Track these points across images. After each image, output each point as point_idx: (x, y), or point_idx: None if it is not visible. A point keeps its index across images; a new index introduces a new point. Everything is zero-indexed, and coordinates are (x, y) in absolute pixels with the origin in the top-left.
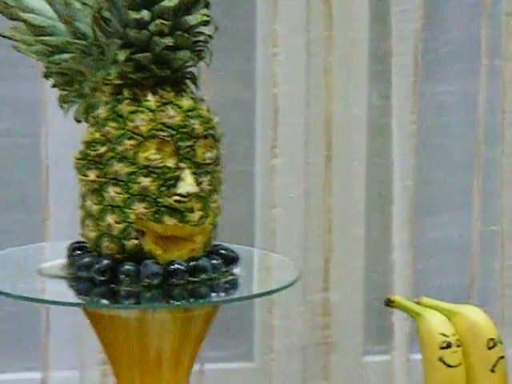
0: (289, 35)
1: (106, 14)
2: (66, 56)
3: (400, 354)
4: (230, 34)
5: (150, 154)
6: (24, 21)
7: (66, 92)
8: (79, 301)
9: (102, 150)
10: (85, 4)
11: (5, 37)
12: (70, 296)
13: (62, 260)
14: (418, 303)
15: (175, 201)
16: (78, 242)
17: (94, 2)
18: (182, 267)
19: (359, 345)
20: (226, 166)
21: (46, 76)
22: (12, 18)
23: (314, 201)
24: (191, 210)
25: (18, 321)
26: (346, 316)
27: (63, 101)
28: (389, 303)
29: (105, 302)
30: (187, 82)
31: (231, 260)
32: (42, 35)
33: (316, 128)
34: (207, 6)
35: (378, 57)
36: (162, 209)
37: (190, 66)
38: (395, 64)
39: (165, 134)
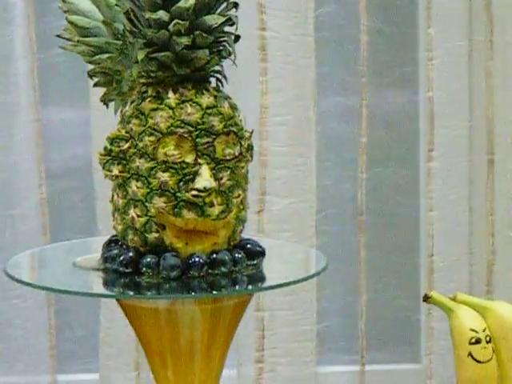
0: (448, 39)
1: (132, 15)
2: (105, 56)
3: None
4: (392, 40)
5: (169, 150)
6: (71, 23)
7: (105, 87)
8: (100, 292)
9: (125, 146)
10: (119, 6)
11: (58, 36)
12: (97, 287)
13: (99, 254)
14: (454, 299)
15: (193, 195)
16: (114, 236)
17: (127, 3)
18: (201, 260)
19: None
20: (390, 168)
21: (90, 75)
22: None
23: (475, 204)
24: (211, 205)
25: None
26: None
27: (104, 99)
28: (426, 299)
29: (125, 292)
30: (212, 80)
31: (255, 254)
32: (86, 36)
33: (478, 132)
34: (235, 6)
35: None
36: (181, 203)
37: (214, 65)
38: None
39: (183, 130)
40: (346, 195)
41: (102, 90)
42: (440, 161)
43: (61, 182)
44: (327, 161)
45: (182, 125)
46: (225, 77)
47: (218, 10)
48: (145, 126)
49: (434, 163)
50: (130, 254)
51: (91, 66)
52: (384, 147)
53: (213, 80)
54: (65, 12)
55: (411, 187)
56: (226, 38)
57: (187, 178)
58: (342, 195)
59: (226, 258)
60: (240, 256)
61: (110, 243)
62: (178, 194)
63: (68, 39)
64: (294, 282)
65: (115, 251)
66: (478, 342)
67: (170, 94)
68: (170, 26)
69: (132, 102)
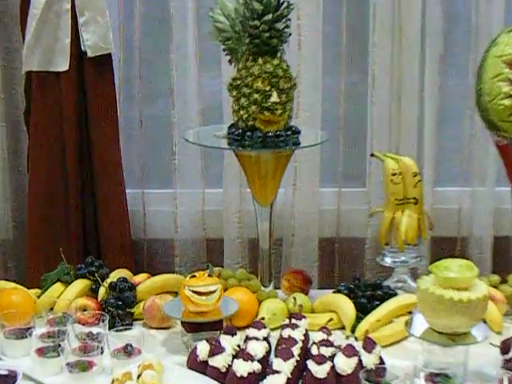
0: None
1: (243, 23)
2: (230, 41)
3: None
4: None
5: (258, 84)
6: (216, 27)
7: (230, 56)
8: (228, 147)
9: (239, 82)
10: (238, 19)
11: (210, 33)
12: (225, 145)
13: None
14: (384, 155)
15: (269, 105)
16: (232, 123)
17: (240, 18)
18: (271, 134)
19: None
20: None
21: (224, 50)
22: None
23: None
24: (276, 109)
25: None
26: None
27: (230, 60)
28: (372, 155)
29: (239, 148)
30: (279, 52)
31: (297, 132)
32: (222, 32)
33: None
34: (289, 19)
35: None
36: (264, 109)
37: (279, 45)
38: None
39: (267, 75)
40: None
41: (228, 57)
42: None
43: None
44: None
45: (265, 73)
46: (284, 50)
47: (283, 20)
48: (248, 72)
49: None
50: (240, 130)
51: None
52: None
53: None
54: (213, 22)
55: None
56: (284, 33)
57: (266, 97)
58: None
59: (283, 134)
60: (289, 133)
61: (231, 126)
62: (262, 104)
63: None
64: (312, 145)
65: (233, 129)
66: (395, 174)
67: (259, 58)
68: (260, 28)
69: (242, 62)
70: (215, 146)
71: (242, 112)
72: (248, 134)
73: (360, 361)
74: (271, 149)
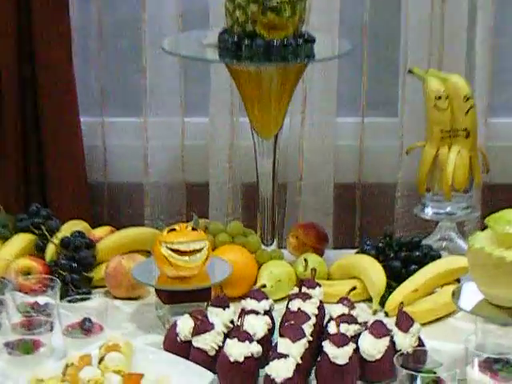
0: None
1: None
2: None
3: None
4: None
5: None
6: None
7: None
8: (218, 59)
9: None
10: None
11: None
12: (215, 56)
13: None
14: (426, 72)
15: (274, 4)
16: (225, 28)
17: None
18: (277, 44)
19: None
20: None
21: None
22: None
23: None
24: (284, 9)
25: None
26: None
27: None
28: (410, 71)
29: (234, 60)
30: None
31: (310, 40)
32: None
33: None
34: None
35: None
36: (267, 8)
37: None
38: None
39: None
40: None
41: None
42: None
43: None
44: None
45: None
46: None
47: None
48: None
49: None
50: (235, 38)
51: None
52: None
53: None
54: None
55: None
56: None
57: None
58: None
59: (292, 42)
60: (300, 41)
61: (223, 32)
62: (266, 3)
63: None
64: (331, 58)
65: (226, 36)
66: (440, 97)
67: None
68: None
69: None
70: (201, 57)
71: (237, 13)
72: (246, 42)
73: (392, 343)
74: (277, 62)
